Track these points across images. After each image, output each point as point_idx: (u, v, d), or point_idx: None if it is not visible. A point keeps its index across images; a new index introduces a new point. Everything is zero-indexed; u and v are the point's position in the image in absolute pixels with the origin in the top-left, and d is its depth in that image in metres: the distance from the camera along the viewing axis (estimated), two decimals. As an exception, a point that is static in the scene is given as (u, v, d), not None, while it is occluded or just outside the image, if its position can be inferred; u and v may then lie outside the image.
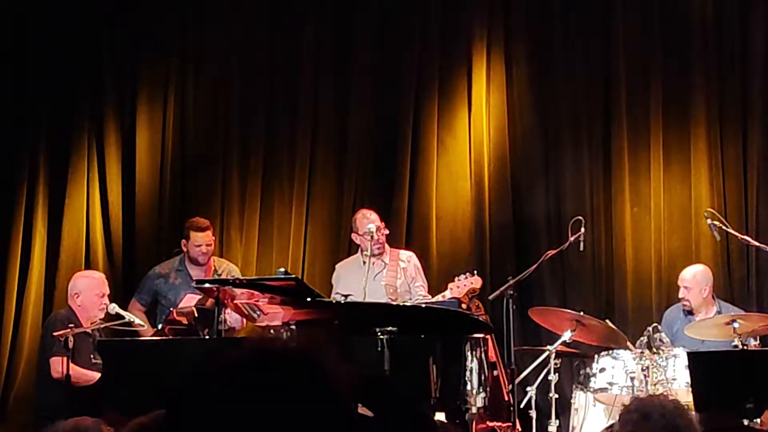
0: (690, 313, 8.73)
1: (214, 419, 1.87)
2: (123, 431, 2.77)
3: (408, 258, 8.83)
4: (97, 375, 7.46)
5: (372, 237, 8.53)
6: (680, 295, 8.73)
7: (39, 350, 8.44)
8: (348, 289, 8.58)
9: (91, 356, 7.83)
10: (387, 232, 8.81)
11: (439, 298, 8.33)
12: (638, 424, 3.93)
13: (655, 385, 7.87)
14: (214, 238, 8.94)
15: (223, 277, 8.63)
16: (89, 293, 8.15)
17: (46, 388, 7.88)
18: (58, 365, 7.61)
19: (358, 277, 8.47)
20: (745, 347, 7.80)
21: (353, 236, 8.87)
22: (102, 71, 10.20)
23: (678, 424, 3.91)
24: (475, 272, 8.40)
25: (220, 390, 1.88)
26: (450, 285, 8.32)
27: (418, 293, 8.65)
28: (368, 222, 8.63)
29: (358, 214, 8.86)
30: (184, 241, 8.78)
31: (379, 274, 8.66)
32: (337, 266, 8.96)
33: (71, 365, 7.35)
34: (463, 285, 8.25)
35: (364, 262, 8.55)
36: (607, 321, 8.31)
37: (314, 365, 1.91)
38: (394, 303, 8.30)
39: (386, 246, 8.81)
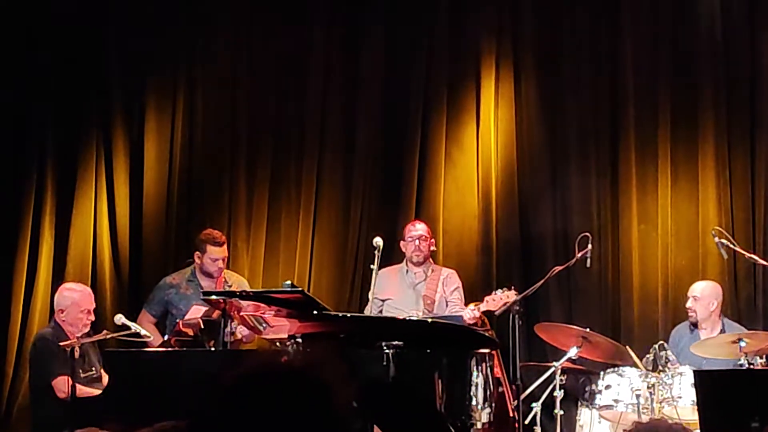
0: (695, 327, 8.71)
1: None
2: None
3: (448, 274, 8.92)
4: (97, 391, 7.41)
5: (415, 245, 8.83)
6: (687, 305, 8.73)
7: (31, 367, 8.28)
8: (385, 293, 8.64)
9: (79, 371, 7.72)
10: (434, 248, 9.04)
11: (471, 307, 8.36)
12: None
13: (660, 402, 7.86)
14: (228, 252, 8.94)
15: (233, 289, 8.64)
16: (74, 310, 7.98)
17: (42, 403, 7.80)
18: (63, 385, 7.47)
19: (397, 283, 8.75)
20: (752, 366, 7.78)
21: (401, 243, 9.00)
22: (110, 82, 10.20)
23: None
24: (512, 287, 8.40)
25: (225, 405, 1.90)
26: (486, 298, 8.34)
27: (454, 303, 8.72)
28: (413, 230, 8.91)
29: (410, 223, 9.14)
30: (198, 253, 8.75)
31: (420, 285, 8.76)
32: (379, 272, 8.90)
33: (77, 386, 7.27)
34: (499, 298, 8.25)
35: (408, 270, 8.87)
36: (627, 348, 8.32)
37: (316, 382, 1.92)
38: (424, 316, 8.37)
39: (430, 260, 8.90)
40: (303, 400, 1.90)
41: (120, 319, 7.91)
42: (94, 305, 8.14)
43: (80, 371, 7.69)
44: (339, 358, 1.94)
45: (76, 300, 8.06)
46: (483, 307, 8.32)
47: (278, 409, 1.89)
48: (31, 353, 8.26)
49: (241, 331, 7.94)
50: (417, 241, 8.81)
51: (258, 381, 1.92)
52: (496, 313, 8.36)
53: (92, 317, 8.02)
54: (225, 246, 8.79)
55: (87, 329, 7.95)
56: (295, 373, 1.92)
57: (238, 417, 1.90)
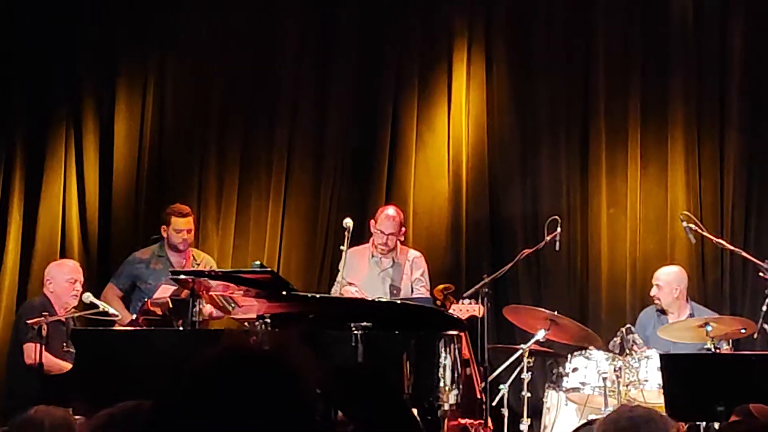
0: (663, 313, 8.76)
1: (187, 418, 1.89)
2: (91, 422, 2.77)
3: (414, 258, 8.86)
4: (69, 365, 7.46)
5: (383, 240, 8.66)
6: (651, 293, 8.78)
7: (12, 337, 8.41)
8: (351, 276, 8.61)
9: (64, 345, 7.82)
10: (402, 238, 8.90)
11: None
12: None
13: (627, 386, 7.90)
14: (194, 225, 8.94)
15: (201, 267, 8.65)
16: (60, 279, 8.18)
17: (18, 377, 7.87)
18: (31, 351, 7.58)
19: (364, 266, 8.69)
20: (717, 350, 7.83)
21: (371, 222, 8.88)
22: (80, 59, 10.16)
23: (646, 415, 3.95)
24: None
25: (193, 391, 1.91)
26: (453, 307, 8.30)
27: (418, 290, 8.70)
28: (386, 225, 8.70)
29: (387, 209, 8.90)
30: (164, 226, 8.78)
31: (385, 272, 8.72)
32: (348, 251, 8.74)
33: (45, 353, 7.33)
34: (466, 310, 8.20)
35: (373, 255, 8.75)
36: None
37: (285, 367, 1.93)
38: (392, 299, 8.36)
39: (398, 245, 8.84)
40: (269, 385, 1.90)
41: (88, 297, 7.95)
42: (82, 278, 8.23)
43: (65, 345, 7.77)
44: (306, 342, 1.95)
45: (62, 270, 8.29)
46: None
47: (242, 394, 1.89)
48: (15, 319, 8.46)
49: (209, 310, 7.93)
50: (386, 238, 8.69)
51: (222, 364, 1.93)
52: (465, 296, 8.35)
53: (79, 288, 8.14)
54: (189, 218, 8.80)
55: (75, 301, 8.04)
56: (261, 357, 1.93)
57: (201, 399, 1.90)
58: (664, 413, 4.11)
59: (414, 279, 8.76)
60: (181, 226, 8.72)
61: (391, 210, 8.85)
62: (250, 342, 1.97)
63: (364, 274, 8.68)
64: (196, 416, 1.89)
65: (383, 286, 8.69)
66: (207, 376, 1.92)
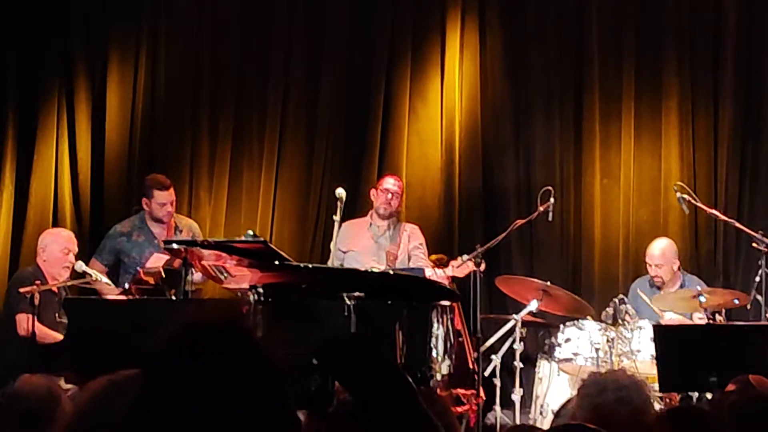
0: (659, 289, 8.75)
1: (161, 395, 1.90)
2: (89, 386, 2.75)
3: (411, 229, 8.91)
4: (61, 336, 7.44)
5: (387, 198, 8.79)
6: (652, 273, 8.72)
7: (3, 307, 8.39)
8: (348, 245, 8.63)
9: (56, 315, 7.79)
10: (401, 208, 9.06)
11: (439, 272, 8.33)
12: (593, 397, 3.99)
13: (619, 356, 7.91)
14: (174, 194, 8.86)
15: (184, 233, 8.61)
16: (54, 249, 8.14)
17: (9, 346, 7.85)
18: (24, 322, 7.58)
19: (360, 235, 8.75)
20: (711, 321, 7.85)
21: (371, 192, 8.98)
22: (73, 28, 10.11)
23: (632, 398, 3.95)
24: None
25: (162, 367, 1.91)
26: (452, 262, 8.31)
27: (419, 257, 8.71)
28: (390, 184, 8.88)
29: (390, 176, 9.08)
30: (145, 199, 8.66)
31: (383, 238, 8.75)
32: (344, 224, 8.72)
33: (37, 324, 7.31)
34: (466, 266, 8.21)
35: (372, 223, 8.85)
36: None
37: (245, 336, 1.93)
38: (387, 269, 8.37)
39: (395, 217, 8.91)
40: (232, 360, 1.90)
41: (81, 266, 7.92)
42: (76, 249, 8.19)
43: (57, 315, 7.75)
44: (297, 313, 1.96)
45: (56, 240, 8.23)
46: (448, 272, 8.32)
47: (205, 371, 1.89)
48: (7, 287, 8.42)
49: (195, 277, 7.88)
50: (390, 195, 8.79)
51: (180, 340, 1.93)
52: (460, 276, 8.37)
53: (72, 260, 8.08)
54: (171, 189, 8.69)
55: (66, 273, 8.00)
56: (223, 333, 1.93)
57: (170, 376, 1.90)
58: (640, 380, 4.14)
59: (412, 246, 8.79)
60: (164, 199, 8.61)
61: (394, 176, 9.05)
62: (216, 317, 1.96)
63: (360, 242, 8.71)
64: (168, 392, 1.89)
65: (380, 253, 8.72)
66: (172, 353, 1.92)
